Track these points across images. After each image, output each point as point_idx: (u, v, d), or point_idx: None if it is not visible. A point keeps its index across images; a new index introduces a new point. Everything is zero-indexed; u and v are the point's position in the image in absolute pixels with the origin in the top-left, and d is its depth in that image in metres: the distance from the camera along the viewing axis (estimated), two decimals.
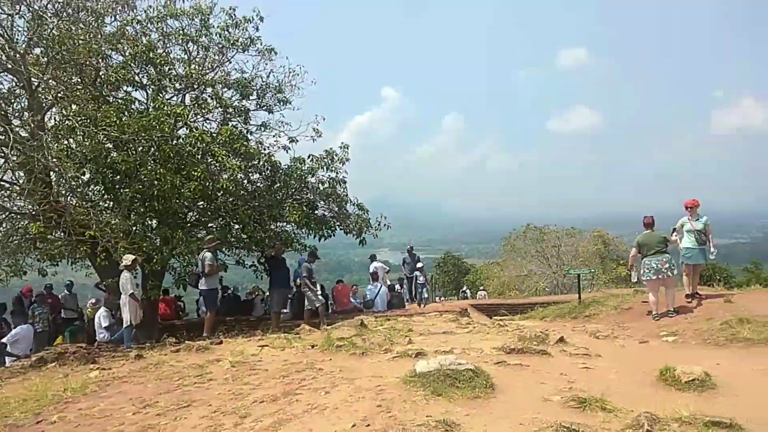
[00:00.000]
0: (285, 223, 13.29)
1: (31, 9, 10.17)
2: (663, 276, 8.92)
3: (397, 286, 18.25)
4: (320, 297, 12.13)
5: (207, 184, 11.26)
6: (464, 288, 34.33)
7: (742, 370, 5.95)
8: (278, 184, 13.07)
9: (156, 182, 10.78)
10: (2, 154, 10.02)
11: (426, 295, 15.56)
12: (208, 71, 13.60)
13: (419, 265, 15.90)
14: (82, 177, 11.20)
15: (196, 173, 11.01)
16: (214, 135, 12.00)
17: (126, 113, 11.20)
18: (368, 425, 4.16)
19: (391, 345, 7.16)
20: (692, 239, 9.25)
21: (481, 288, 30.06)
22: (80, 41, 10.29)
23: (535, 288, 27.16)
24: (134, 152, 11.06)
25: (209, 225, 13.16)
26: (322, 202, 13.73)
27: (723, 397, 5.07)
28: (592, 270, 20.86)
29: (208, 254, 10.59)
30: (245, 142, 12.24)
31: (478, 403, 4.73)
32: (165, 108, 11.59)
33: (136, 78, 12.69)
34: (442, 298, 29.81)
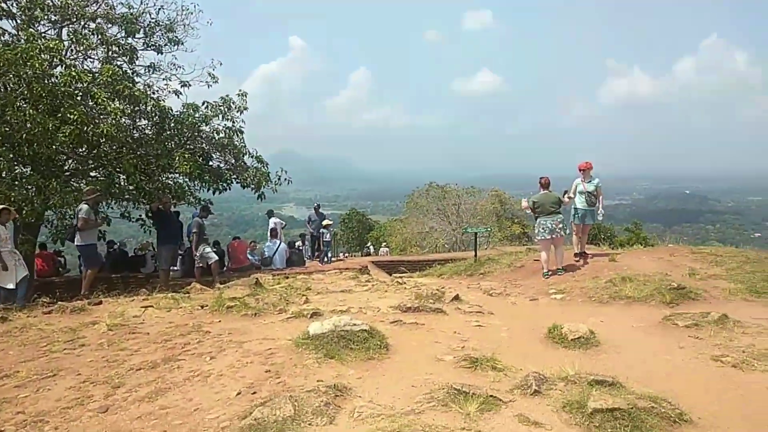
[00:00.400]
0: (176, 175, 12.44)
1: None
2: (556, 235, 9.24)
3: (298, 243, 17.90)
4: (212, 254, 11.52)
5: (85, 128, 10.21)
6: (368, 244, 34.60)
7: (623, 327, 6.25)
8: (168, 132, 12.13)
9: (26, 125, 9.63)
10: None
11: (330, 254, 15.42)
12: (89, 3, 12.25)
13: (325, 222, 15.60)
14: None
15: (72, 116, 9.94)
16: (95, 75, 10.87)
17: None
18: (254, 393, 3.90)
19: (286, 305, 6.89)
20: (583, 200, 9.61)
21: (384, 244, 30.37)
22: None
23: (435, 245, 27.81)
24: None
25: (91, 174, 12.05)
26: (217, 153, 12.98)
27: (606, 354, 5.27)
28: (489, 228, 21.56)
29: (84, 206, 9.61)
30: (130, 84, 11.18)
31: (372, 365, 4.60)
32: (37, 42, 10.30)
33: (3, 5, 11.18)
34: (346, 255, 29.90)
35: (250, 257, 13.70)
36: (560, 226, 9.24)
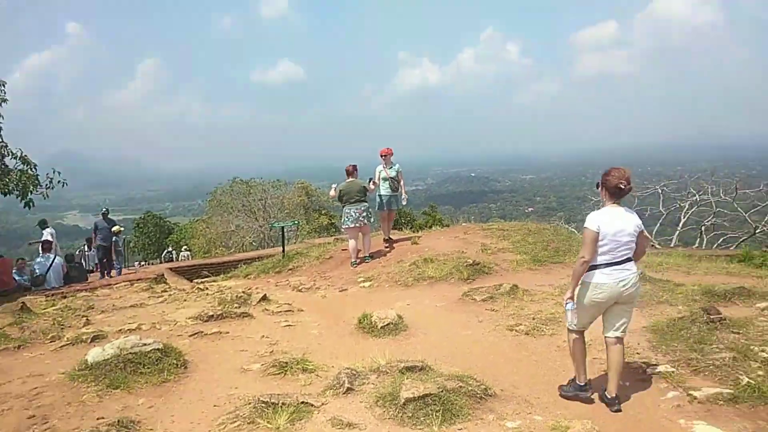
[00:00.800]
0: None
1: None
2: (360, 224, 9.27)
3: (83, 248, 15.90)
4: None
5: None
6: (169, 249, 32.18)
7: (428, 308, 6.43)
8: None
9: None
10: None
11: (120, 265, 13.91)
12: None
13: (115, 229, 13.90)
14: None
15: None
16: None
17: None
18: None
19: (61, 330, 5.87)
20: (387, 186, 9.77)
21: (185, 248, 28.47)
22: None
23: (242, 243, 26.84)
24: None
25: None
26: None
27: (414, 338, 5.33)
28: (296, 221, 21.31)
29: None
30: None
31: (167, 388, 4.07)
32: None
33: None
34: (143, 263, 27.43)
35: (17, 277, 11.56)
36: (364, 214, 9.29)
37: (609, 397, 3.65)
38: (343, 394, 3.81)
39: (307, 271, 9.80)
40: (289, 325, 5.98)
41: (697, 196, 18.02)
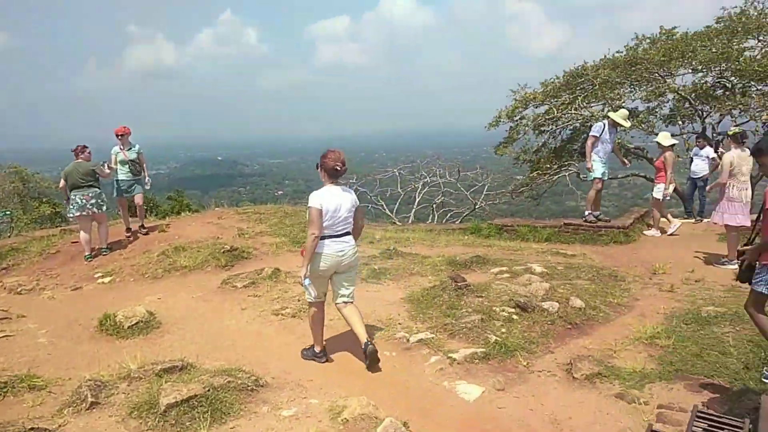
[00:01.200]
0: None
1: None
2: (89, 212, 8.08)
3: None
4: None
5: None
6: None
7: (183, 301, 5.88)
8: None
9: None
10: None
11: None
12: None
13: None
14: None
15: None
16: None
17: None
18: None
19: None
20: (126, 170, 8.71)
21: None
22: None
23: None
24: None
25: None
26: None
27: (170, 335, 4.82)
28: (9, 212, 18.02)
29: None
30: None
31: None
32: None
33: None
34: None
35: None
36: (93, 201, 8.10)
37: (364, 342, 3.79)
38: (87, 410, 3.25)
39: (27, 270, 8.24)
40: (7, 336, 4.94)
41: (428, 177, 20.13)
